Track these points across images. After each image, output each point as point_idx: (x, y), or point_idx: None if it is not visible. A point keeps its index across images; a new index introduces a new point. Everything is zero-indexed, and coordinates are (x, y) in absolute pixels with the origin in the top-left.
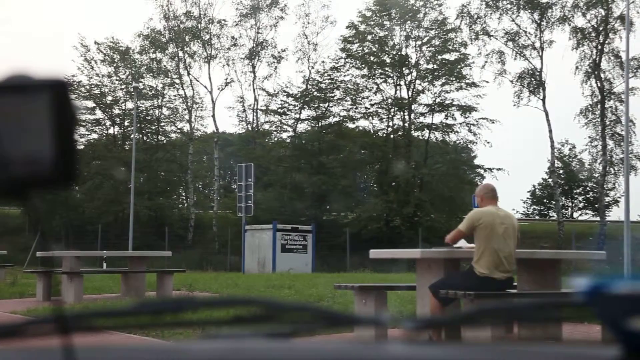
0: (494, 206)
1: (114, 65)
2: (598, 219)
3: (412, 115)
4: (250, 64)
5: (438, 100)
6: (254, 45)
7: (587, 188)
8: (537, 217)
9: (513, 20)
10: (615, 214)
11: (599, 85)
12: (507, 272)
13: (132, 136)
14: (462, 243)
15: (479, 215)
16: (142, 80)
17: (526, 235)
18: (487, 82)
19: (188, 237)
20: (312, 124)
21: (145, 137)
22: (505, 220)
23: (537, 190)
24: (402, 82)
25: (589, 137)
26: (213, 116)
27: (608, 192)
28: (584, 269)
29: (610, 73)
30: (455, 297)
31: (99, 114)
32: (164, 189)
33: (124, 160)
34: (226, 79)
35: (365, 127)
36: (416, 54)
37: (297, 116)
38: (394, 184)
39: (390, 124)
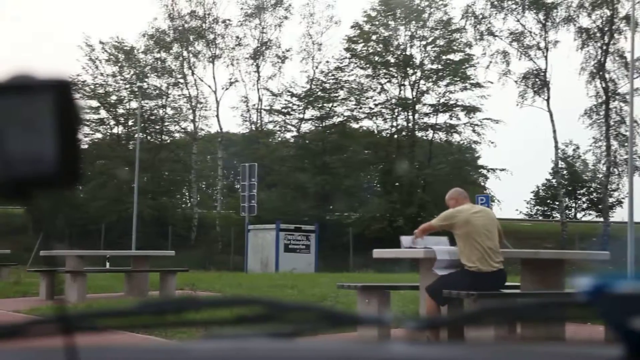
0: (469, 204)
1: (119, 64)
2: (602, 219)
3: (416, 116)
4: (255, 63)
5: (442, 100)
6: (259, 45)
7: (591, 189)
8: (540, 218)
9: (518, 21)
10: (619, 214)
11: (603, 85)
12: (496, 264)
13: (136, 136)
14: (421, 243)
15: (454, 213)
16: (146, 79)
17: (529, 236)
18: (492, 82)
19: (191, 237)
20: (316, 124)
21: (149, 137)
22: (482, 213)
23: (540, 190)
24: (406, 82)
25: (593, 137)
26: (217, 116)
27: (612, 192)
28: (588, 270)
29: (615, 73)
30: (454, 297)
31: (103, 113)
32: (168, 189)
33: (128, 159)
34: (230, 79)
35: (369, 127)
36: (421, 54)
37: (301, 116)
38: (397, 184)
39: (394, 124)
